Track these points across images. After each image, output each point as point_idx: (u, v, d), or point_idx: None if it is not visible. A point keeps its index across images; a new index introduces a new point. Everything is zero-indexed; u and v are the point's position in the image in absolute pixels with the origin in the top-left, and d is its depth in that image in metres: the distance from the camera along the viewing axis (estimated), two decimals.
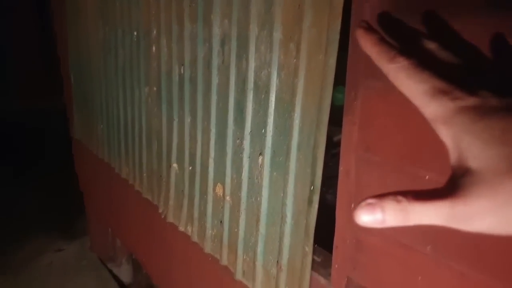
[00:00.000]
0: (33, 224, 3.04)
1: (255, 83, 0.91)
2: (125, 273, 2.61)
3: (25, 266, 2.58)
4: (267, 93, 0.87)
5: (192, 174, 1.18)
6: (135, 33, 1.40)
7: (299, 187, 0.80)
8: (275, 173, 0.87)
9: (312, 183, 0.77)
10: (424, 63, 0.33)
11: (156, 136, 1.35)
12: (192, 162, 1.17)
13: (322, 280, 0.87)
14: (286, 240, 0.84)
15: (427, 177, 0.66)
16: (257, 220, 0.93)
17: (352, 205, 0.79)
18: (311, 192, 0.78)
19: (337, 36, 0.73)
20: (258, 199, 0.92)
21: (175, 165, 1.26)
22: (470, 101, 0.30)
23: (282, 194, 0.85)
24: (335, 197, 0.83)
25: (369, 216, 0.30)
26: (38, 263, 2.62)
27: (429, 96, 0.31)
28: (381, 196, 0.30)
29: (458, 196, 0.28)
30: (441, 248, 0.66)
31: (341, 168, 0.79)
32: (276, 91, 0.85)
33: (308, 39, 0.77)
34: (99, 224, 2.61)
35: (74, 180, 2.66)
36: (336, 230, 0.82)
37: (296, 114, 0.80)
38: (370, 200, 0.31)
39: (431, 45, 0.38)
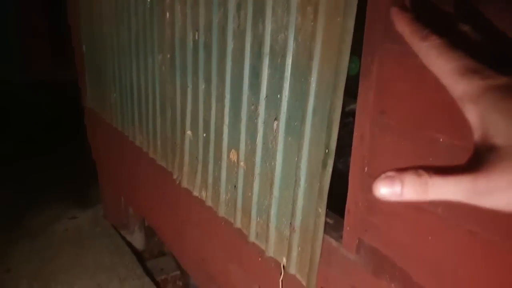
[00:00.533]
0: (47, 193, 3.12)
1: (271, 47, 0.91)
2: (137, 240, 2.69)
3: (41, 233, 2.66)
4: (284, 57, 0.87)
5: (207, 140, 1.20)
6: (149, 0, 1.40)
7: (314, 150, 0.82)
8: (289, 138, 0.88)
9: (327, 146, 0.78)
10: (456, 43, 0.33)
11: (170, 103, 1.37)
12: (207, 129, 1.19)
13: (333, 242, 0.90)
14: (300, 202, 0.86)
15: (441, 139, 0.66)
16: (271, 184, 0.95)
17: (366, 169, 0.80)
18: (326, 155, 0.79)
19: None
20: (273, 163, 0.93)
21: (189, 132, 1.28)
22: (500, 80, 0.30)
23: (296, 158, 0.86)
24: (347, 166, 0.84)
25: (388, 189, 0.31)
26: (53, 229, 2.71)
27: (459, 74, 0.31)
28: (401, 169, 0.31)
29: (481, 171, 0.28)
30: (452, 209, 0.67)
31: (355, 133, 0.80)
32: (292, 55, 0.85)
33: (326, 1, 0.77)
34: (112, 192, 2.67)
35: (86, 149, 2.70)
36: (349, 193, 0.84)
37: (312, 78, 0.80)
38: (390, 173, 0.31)
39: (464, 27, 0.38)
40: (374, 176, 0.79)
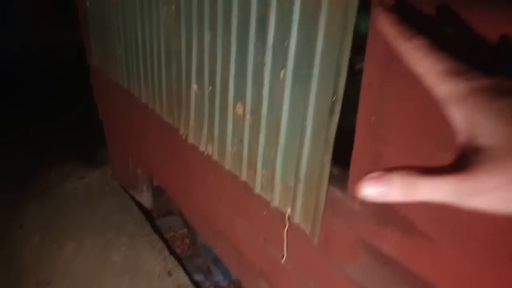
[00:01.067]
0: (55, 154, 3.16)
1: None
2: (145, 200, 2.74)
3: (51, 192, 2.72)
4: (291, 1, 0.84)
5: (212, 94, 1.18)
6: None
7: (321, 98, 0.80)
8: (296, 86, 0.87)
9: (335, 93, 0.77)
10: (441, 45, 0.33)
11: (175, 57, 1.34)
12: (212, 82, 1.17)
13: (338, 193, 0.89)
14: (305, 152, 0.86)
15: None
16: (277, 135, 0.94)
17: (373, 118, 0.79)
18: (333, 103, 0.77)
19: None
20: (279, 113, 0.92)
21: (195, 85, 1.26)
22: (484, 82, 0.30)
23: (303, 107, 0.85)
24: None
25: (373, 190, 0.31)
26: (63, 188, 2.76)
27: (443, 76, 0.31)
28: (387, 169, 0.31)
29: (467, 172, 0.28)
30: None
31: (364, 81, 0.78)
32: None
33: None
34: (119, 152, 2.69)
35: (93, 111, 2.71)
36: (355, 143, 0.82)
37: (320, 24, 0.77)
38: (375, 174, 0.31)
39: (447, 30, 0.39)
40: (381, 125, 0.78)
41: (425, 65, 0.33)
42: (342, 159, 0.91)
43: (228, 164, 1.18)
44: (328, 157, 0.81)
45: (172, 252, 2.19)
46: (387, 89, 0.75)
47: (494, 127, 0.28)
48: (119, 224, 2.40)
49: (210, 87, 1.19)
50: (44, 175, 2.90)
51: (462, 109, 0.30)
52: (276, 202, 0.98)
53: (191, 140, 1.36)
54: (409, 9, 0.50)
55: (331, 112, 0.77)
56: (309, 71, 0.82)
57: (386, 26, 0.38)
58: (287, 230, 1.05)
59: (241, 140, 1.09)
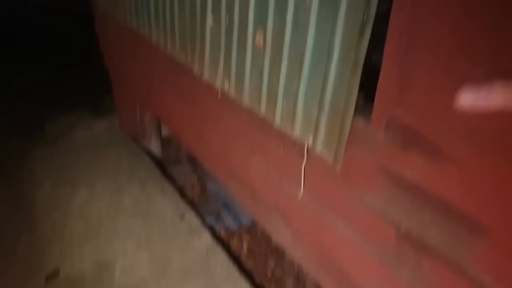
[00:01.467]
0: (63, 104, 3.15)
1: None
2: (154, 148, 2.75)
3: (60, 139, 2.73)
4: None
5: (230, 24, 1.14)
6: None
7: (351, 18, 0.77)
8: (324, 6, 0.83)
9: (365, 12, 0.74)
10: None
11: None
12: (230, 10, 1.12)
13: (361, 123, 0.89)
14: (331, 78, 0.84)
15: None
16: (301, 64, 0.91)
17: (403, 42, 0.77)
18: (364, 23, 0.75)
19: None
20: (304, 39, 0.89)
21: (210, 17, 1.22)
22: None
23: (330, 28, 0.82)
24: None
25: (475, 94, 0.33)
26: (72, 136, 2.78)
27: None
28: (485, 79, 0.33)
29: None
30: None
31: (395, 1, 0.76)
32: None
33: None
34: (127, 101, 2.68)
35: (100, 66, 2.66)
36: (383, 69, 0.81)
37: None
38: (474, 83, 0.33)
39: None
40: (412, 49, 0.76)
41: None
42: (366, 93, 0.89)
43: (246, 100, 1.17)
44: (356, 81, 0.79)
45: (183, 197, 2.23)
46: (421, 10, 0.72)
47: None
48: (129, 170, 2.43)
49: (228, 17, 1.14)
50: (52, 125, 2.91)
51: None
52: (297, 132, 0.98)
53: (206, 76, 1.34)
54: None
55: (361, 32, 0.75)
56: None
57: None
58: (305, 164, 1.06)
59: (261, 74, 1.07)
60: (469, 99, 0.33)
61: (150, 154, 2.65)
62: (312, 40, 0.87)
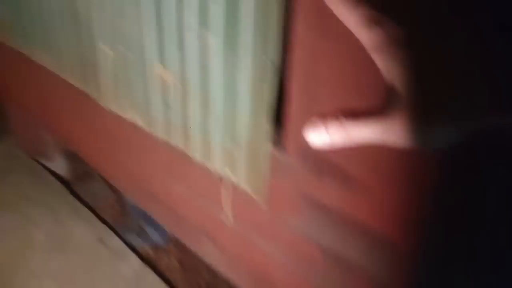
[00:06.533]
0: None
1: None
2: (60, 167, 2.54)
3: None
4: None
5: (124, 55, 1.07)
6: None
7: (254, 59, 0.77)
8: (224, 49, 0.82)
9: (269, 58, 0.74)
10: None
11: (70, 11, 1.17)
12: (122, 41, 1.05)
13: (277, 152, 0.91)
14: (243, 118, 0.84)
15: None
16: (208, 101, 0.90)
17: (304, 76, 0.79)
18: (268, 65, 0.75)
19: None
20: (206, 77, 0.87)
21: (101, 45, 1.13)
22: (397, 30, 0.33)
23: (233, 70, 0.81)
24: None
25: (316, 135, 0.34)
26: None
27: (365, 25, 0.34)
28: (324, 115, 0.35)
29: (383, 115, 0.33)
30: None
31: (293, 39, 0.77)
32: None
33: None
34: (24, 120, 2.42)
35: None
36: (288, 102, 0.82)
37: None
38: (315, 120, 0.34)
39: None
40: (313, 83, 0.78)
41: (347, 16, 0.35)
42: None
43: (156, 131, 1.12)
44: (267, 122, 0.80)
45: (100, 219, 2.11)
46: (318, 46, 0.75)
47: (401, 72, 0.32)
48: (37, 198, 2.22)
49: (121, 46, 1.07)
50: None
51: (381, 57, 0.33)
52: (216, 166, 0.97)
53: (109, 107, 1.26)
54: None
55: (263, 79, 0.76)
56: (237, 33, 0.78)
57: None
58: (227, 194, 1.06)
59: (168, 106, 1.03)
60: (314, 138, 0.35)
61: (57, 174, 2.45)
62: (216, 77, 0.86)
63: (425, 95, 0.32)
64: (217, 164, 0.97)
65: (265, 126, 0.82)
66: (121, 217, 2.24)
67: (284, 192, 0.94)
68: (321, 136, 0.34)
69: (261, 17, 0.73)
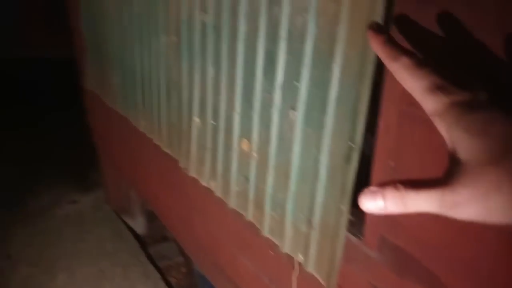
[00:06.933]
0: (47, 176, 3.07)
1: (289, 31, 0.84)
2: (139, 225, 2.66)
3: (41, 217, 2.63)
4: (302, 42, 0.80)
5: (216, 128, 1.14)
6: None
7: (336, 143, 0.76)
8: (308, 129, 0.83)
9: (352, 139, 0.73)
10: (428, 60, 0.36)
11: (175, 88, 1.30)
12: (215, 116, 1.13)
13: (353, 238, 0.85)
14: (320, 199, 0.81)
15: None
16: (287, 177, 0.89)
17: (391, 163, 0.75)
18: (350, 150, 0.73)
19: None
20: (289, 155, 0.88)
21: (196, 119, 1.22)
22: (461, 96, 0.32)
23: (316, 151, 0.80)
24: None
25: (372, 203, 0.34)
26: (54, 213, 2.67)
27: (428, 92, 0.33)
28: (383, 184, 0.34)
29: (447, 185, 0.31)
30: None
31: (381, 123, 0.75)
32: (313, 40, 0.78)
33: None
34: (113, 176, 2.63)
35: (86, 132, 2.64)
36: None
37: (335, 65, 0.74)
38: (373, 188, 0.34)
39: (438, 42, 0.44)
40: (400, 171, 0.74)
41: (412, 82, 0.35)
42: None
43: (232, 202, 1.13)
44: (346, 205, 0.76)
45: (167, 283, 2.12)
46: (406, 132, 0.72)
47: (468, 140, 0.30)
48: (113, 253, 2.32)
49: (213, 122, 1.14)
50: (35, 199, 2.81)
51: (444, 122, 0.32)
52: (286, 247, 0.93)
53: (192, 173, 1.31)
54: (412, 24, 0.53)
55: (348, 159, 0.73)
56: (322, 114, 0.78)
57: (376, 47, 0.40)
58: (297, 276, 1.00)
59: (247, 179, 1.04)
60: (369, 206, 0.34)
61: (135, 232, 2.56)
62: (298, 156, 0.86)
63: (491, 164, 0.29)
64: (288, 243, 0.93)
65: (343, 209, 0.78)
66: (187, 283, 2.23)
67: (356, 284, 0.86)
68: (377, 203, 0.33)
69: (349, 100, 0.73)
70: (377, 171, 0.77)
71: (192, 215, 1.50)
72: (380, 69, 0.72)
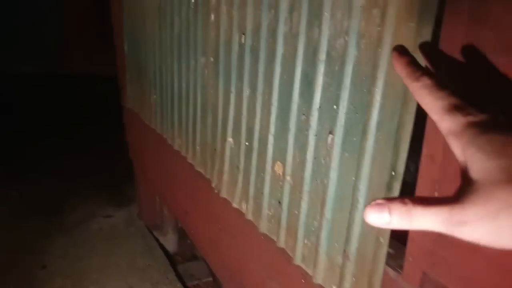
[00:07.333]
0: (84, 190, 3.16)
1: (328, 53, 0.82)
2: (170, 242, 2.66)
3: (77, 229, 2.69)
4: (342, 65, 0.78)
5: (249, 149, 1.12)
6: (193, 0, 1.34)
7: (377, 171, 0.72)
8: (347, 154, 0.79)
9: (393, 168, 0.69)
10: (449, 82, 0.36)
11: (211, 108, 1.30)
12: (250, 137, 1.11)
13: (391, 272, 0.80)
14: (357, 228, 0.77)
15: None
16: (322, 204, 0.86)
17: (436, 194, 0.70)
18: (391, 178, 0.69)
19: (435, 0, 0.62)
20: (325, 181, 0.84)
21: (230, 139, 1.21)
22: (479, 117, 0.32)
23: (354, 178, 0.77)
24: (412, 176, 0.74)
25: (377, 216, 0.33)
26: (88, 226, 2.73)
27: (445, 112, 0.34)
28: (390, 198, 0.33)
29: (457, 203, 0.30)
30: None
31: (424, 152, 0.71)
32: (353, 63, 0.76)
33: (397, 3, 0.67)
34: (147, 192, 2.66)
35: (123, 148, 2.71)
36: None
37: (377, 89, 0.71)
38: (379, 201, 0.33)
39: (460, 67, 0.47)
40: None
41: (429, 102, 0.36)
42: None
43: (263, 227, 1.10)
44: (385, 238, 0.72)
45: None
46: (452, 162, 0.67)
47: (483, 160, 0.30)
48: (143, 269, 2.33)
49: (247, 143, 1.13)
50: (71, 211, 2.89)
51: (459, 142, 0.32)
52: (319, 278, 0.89)
53: (223, 194, 1.30)
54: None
55: (389, 188, 0.69)
56: (361, 140, 0.75)
57: (399, 68, 0.41)
58: None
59: (280, 203, 1.01)
60: (373, 218, 0.33)
61: (165, 249, 2.56)
62: (335, 183, 0.82)
63: (504, 183, 0.28)
64: (321, 273, 0.89)
65: (382, 241, 0.73)
66: None
67: None
68: (382, 216, 0.33)
69: (391, 126, 0.69)
70: None
71: (221, 236, 1.48)
72: None
